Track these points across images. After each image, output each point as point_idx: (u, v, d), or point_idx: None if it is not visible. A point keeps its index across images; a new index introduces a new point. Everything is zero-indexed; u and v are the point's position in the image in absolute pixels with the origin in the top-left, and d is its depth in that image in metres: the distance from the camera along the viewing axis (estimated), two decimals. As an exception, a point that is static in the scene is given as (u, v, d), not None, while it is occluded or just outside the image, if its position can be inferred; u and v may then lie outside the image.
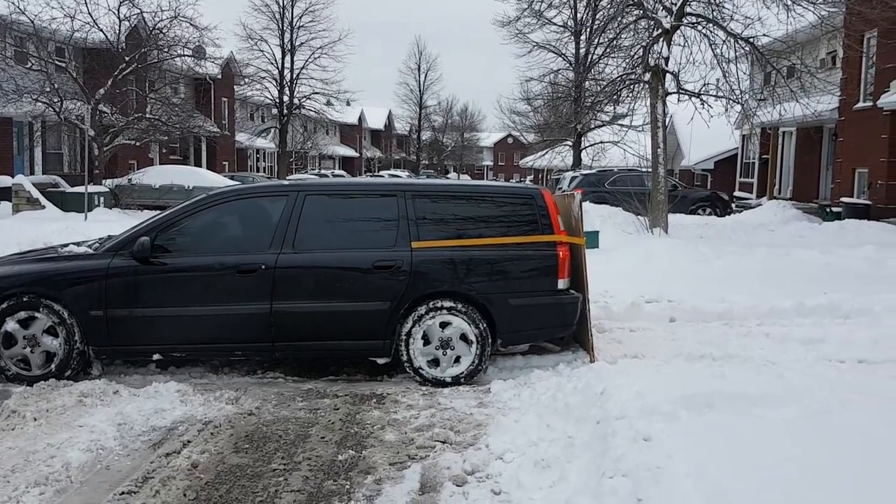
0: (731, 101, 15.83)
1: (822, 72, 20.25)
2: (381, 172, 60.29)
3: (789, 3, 13.49)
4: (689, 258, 11.78)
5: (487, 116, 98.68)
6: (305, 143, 50.59)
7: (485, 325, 5.98)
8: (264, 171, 48.05)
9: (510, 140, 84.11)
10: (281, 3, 42.03)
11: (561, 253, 6.13)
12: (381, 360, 6.18)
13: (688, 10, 14.77)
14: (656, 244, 12.97)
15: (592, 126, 28.90)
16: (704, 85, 15.85)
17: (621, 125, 27.10)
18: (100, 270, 5.88)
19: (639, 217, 15.89)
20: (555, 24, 23.92)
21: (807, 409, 4.38)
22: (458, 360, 6.03)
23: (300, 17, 42.36)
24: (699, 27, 15.11)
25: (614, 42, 17.82)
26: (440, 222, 6.15)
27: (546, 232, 6.15)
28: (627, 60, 17.24)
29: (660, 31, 14.55)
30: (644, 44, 15.75)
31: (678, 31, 15.25)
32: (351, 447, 4.62)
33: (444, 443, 4.67)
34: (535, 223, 6.17)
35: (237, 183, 26.19)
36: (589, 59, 23.79)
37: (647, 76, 15.49)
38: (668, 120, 26.51)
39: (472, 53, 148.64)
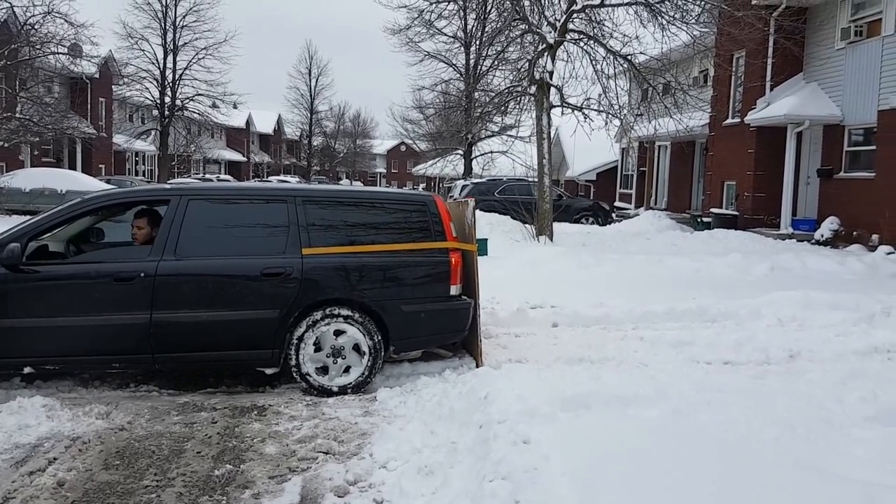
0: (610, 116, 16.54)
1: (695, 89, 21.48)
2: (270, 178, 58.95)
3: (664, 22, 14.25)
4: (572, 265, 12.18)
5: (380, 123, 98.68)
6: (188, 146, 48.81)
7: (377, 333, 5.92)
8: (144, 175, 46.00)
9: (403, 148, 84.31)
10: (163, 2, 40.52)
11: (453, 259, 6.15)
12: (269, 371, 6.01)
13: (570, 26, 15.32)
14: (542, 251, 13.36)
15: (482, 136, 29.45)
16: (586, 99, 16.51)
17: (509, 136, 27.76)
18: None
19: (526, 225, 16.32)
20: (445, 34, 24.26)
21: (676, 408, 4.62)
22: (348, 368, 5.94)
23: (184, 17, 40.95)
24: (581, 43, 15.72)
25: (502, 55, 18.25)
26: (332, 228, 6.04)
27: (438, 239, 6.16)
28: (514, 73, 17.73)
29: (544, 45, 15.02)
30: (530, 57, 16.21)
31: (562, 47, 15.80)
32: (229, 461, 4.47)
33: (326, 454, 4.60)
34: (427, 230, 6.17)
35: (114, 187, 25.00)
36: (478, 71, 24.24)
37: (533, 89, 15.95)
38: (553, 132, 27.41)
39: (364, 60, 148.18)
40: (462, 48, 25.97)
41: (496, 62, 19.76)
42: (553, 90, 16.01)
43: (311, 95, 69.90)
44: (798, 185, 18.09)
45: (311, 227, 5.95)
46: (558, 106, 16.52)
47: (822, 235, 16.42)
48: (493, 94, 20.00)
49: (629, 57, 15.65)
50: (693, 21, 14.62)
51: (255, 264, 5.80)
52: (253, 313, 5.75)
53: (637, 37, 15.78)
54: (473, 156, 30.34)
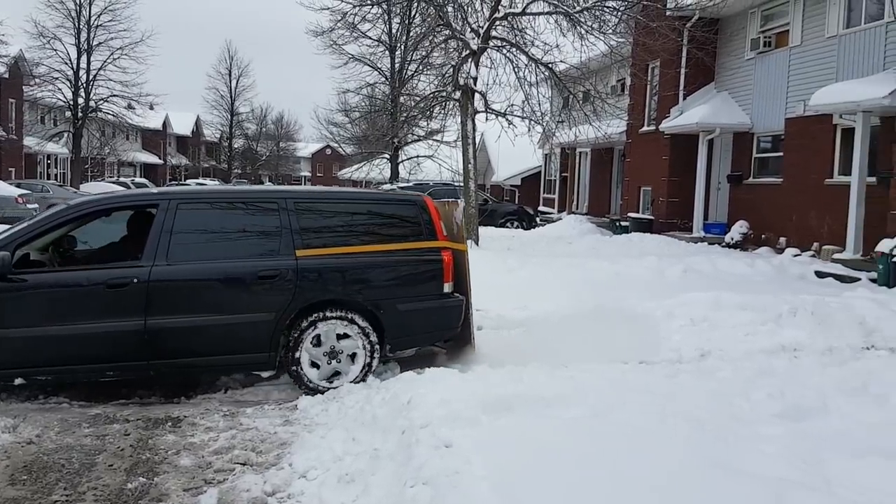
0: (533, 122, 16.83)
1: (613, 97, 22.08)
2: (188, 181, 57.28)
3: (583, 32, 14.61)
4: (498, 268, 12.28)
5: (305, 126, 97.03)
6: (103, 148, 47.02)
7: (373, 332, 5.94)
8: (56, 179, 44.02)
9: (329, 151, 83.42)
10: (77, 1, 38.95)
11: (445, 258, 6.23)
12: (265, 374, 6.01)
13: (493, 33, 15.52)
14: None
15: (409, 140, 29.47)
16: (510, 105, 16.77)
17: (435, 140, 27.91)
18: None
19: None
20: (369, 37, 24.17)
21: (594, 407, 4.72)
22: (346, 368, 5.95)
23: (98, 16, 39.49)
24: (504, 50, 15.93)
25: (426, 59, 18.31)
26: (324, 230, 6.06)
27: (430, 238, 6.23)
28: (439, 78, 17.80)
29: (468, 51, 15.16)
30: (454, 63, 16.33)
31: (485, 53, 15.98)
32: (142, 474, 4.32)
33: (244, 464, 4.50)
34: (419, 229, 6.24)
35: (27, 192, 23.77)
36: (403, 75, 24.25)
37: (458, 94, 16.07)
38: (479, 137, 27.65)
39: (287, 62, 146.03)
40: (387, 52, 25.94)
41: (421, 67, 19.81)
42: (477, 96, 16.17)
43: (231, 97, 68.39)
44: (710, 191, 18.82)
45: (303, 228, 5.94)
46: (483, 111, 16.70)
47: (733, 238, 17.12)
48: (419, 99, 20.04)
49: (550, 65, 15.96)
50: (610, 31, 15.04)
51: (250, 267, 5.78)
52: (248, 317, 5.73)
53: (558, 45, 16.17)
54: (400, 160, 30.35)
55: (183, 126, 70.93)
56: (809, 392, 5.25)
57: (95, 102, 39.73)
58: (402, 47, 23.60)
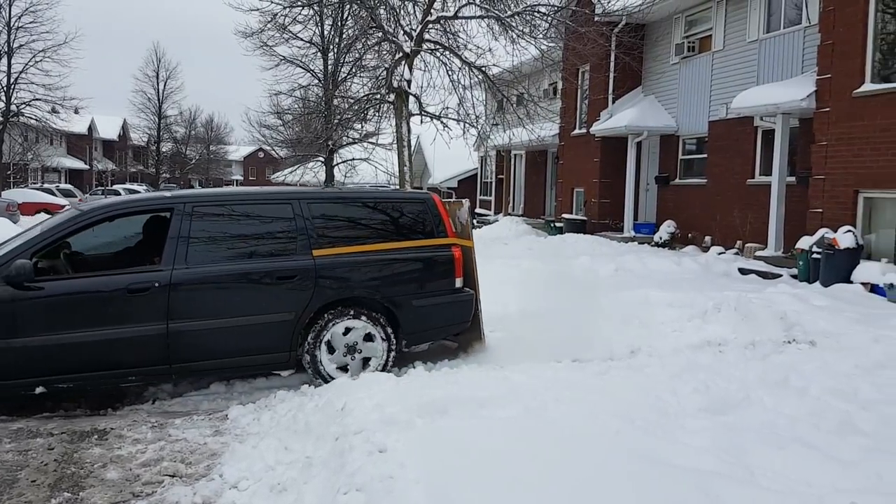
0: (468, 125, 16.94)
1: (546, 101, 22.43)
2: (116, 187, 55.44)
3: (514, 36, 14.78)
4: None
5: (236, 129, 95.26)
6: (25, 154, 45.10)
7: (390, 329, 6.12)
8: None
9: (261, 154, 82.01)
10: (-4, 2, 37.14)
11: (456, 253, 6.44)
12: (284, 373, 6.09)
13: (426, 36, 15.56)
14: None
15: (344, 143, 29.21)
16: (445, 108, 16.82)
17: (371, 143, 27.74)
18: None
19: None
20: (301, 39, 23.80)
21: (527, 406, 4.77)
22: (365, 364, 6.09)
23: (19, 17, 37.72)
24: (437, 54, 15.99)
25: (360, 62, 18.21)
26: (339, 229, 6.20)
27: (440, 235, 6.44)
28: (373, 80, 17.73)
29: (401, 54, 15.16)
30: (388, 66, 16.30)
31: (419, 56, 16.00)
32: (67, 489, 4.16)
33: (173, 476, 4.38)
34: (430, 227, 6.44)
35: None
36: (337, 77, 24.04)
37: (392, 97, 16.04)
38: (414, 140, 27.62)
39: (217, 64, 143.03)
40: (319, 54, 25.66)
41: (354, 69, 19.69)
42: (412, 98, 16.18)
43: (159, 99, 66.52)
44: (639, 192, 19.30)
45: (318, 228, 6.08)
46: (417, 114, 16.72)
47: (661, 238, 17.60)
48: (353, 101, 19.91)
49: (483, 68, 16.10)
50: (541, 36, 15.27)
51: (269, 268, 5.89)
52: (269, 317, 5.83)
53: (490, 49, 16.38)
54: (335, 163, 30.03)
55: (109, 130, 68.69)
56: (733, 385, 5.43)
57: (17, 107, 38.00)
58: (335, 49, 23.37)
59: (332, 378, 5.90)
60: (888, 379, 5.81)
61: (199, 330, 5.66)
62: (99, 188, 55.37)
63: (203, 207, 5.94)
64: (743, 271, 12.66)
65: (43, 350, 5.36)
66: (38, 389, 5.46)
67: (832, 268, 10.75)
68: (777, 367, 6.03)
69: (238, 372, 6.13)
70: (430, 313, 6.36)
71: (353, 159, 30.15)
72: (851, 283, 10.46)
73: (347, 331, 6.05)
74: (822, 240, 11.03)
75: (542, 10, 14.54)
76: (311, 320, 5.94)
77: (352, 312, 6.04)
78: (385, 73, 16.56)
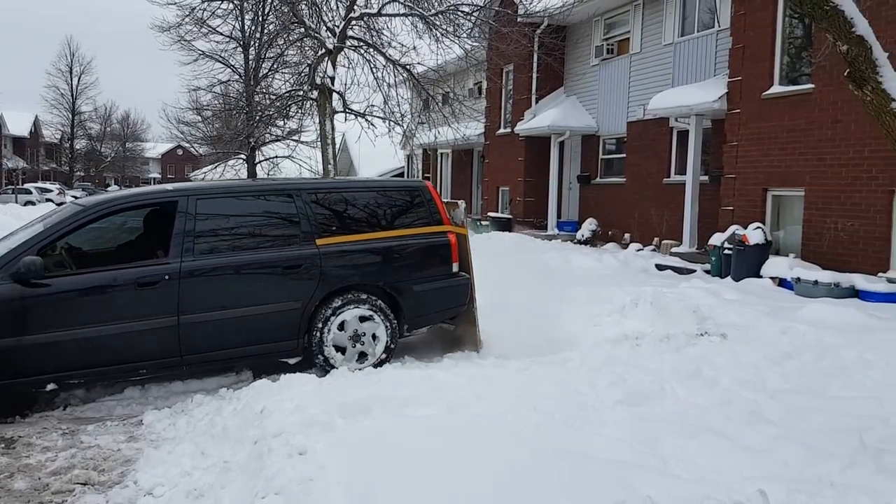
0: (393, 123, 16.88)
1: (471, 100, 22.59)
2: (27, 185, 52.84)
3: (439, 35, 14.80)
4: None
5: (153, 125, 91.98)
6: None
7: (393, 314, 6.29)
8: None
9: (180, 151, 79.75)
10: None
11: (452, 239, 6.64)
12: (292, 360, 6.18)
13: (350, 33, 15.42)
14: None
15: (266, 140, 28.65)
16: (369, 106, 16.71)
17: (294, 140, 27.31)
18: None
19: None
20: (221, 33, 23.19)
21: (450, 404, 4.80)
22: (369, 350, 6.23)
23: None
24: (361, 51, 15.87)
25: (282, 57, 17.88)
26: (340, 218, 6.34)
27: (437, 222, 6.63)
28: (296, 76, 17.44)
29: (324, 50, 14.97)
30: (310, 62, 16.07)
31: (343, 53, 15.84)
32: (-34, 505, 3.94)
33: (85, 485, 4.20)
34: (426, 214, 6.62)
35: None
36: (258, 73, 23.56)
37: (315, 94, 15.82)
38: (340, 138, 27.35)
39: (132, 58, 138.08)
40: (240, 48, 25.08)
41: (276, 65, 19.32)
42: (335, 96, 16.00)
43: (73, 95, 63.91)
44: (562, 190, 19.68)
45: (320, 218, 6.21)
46: (342, 112, 16.54)
47: (583, 235, 18.00)
48: (275, 98, 19.55)
49: (408, 66, 16.06)
50: (465, 35, 15.34)
51: (275, 258, 5.99)
52: (277, 306, 5.94)
53: (415, 47, 16.27)
54: (257, 160, 29.41)
55: (20, 126, 65.46)
56: (649, 378, 5.60)
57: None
58: (256, 44, 22.89)
59: (338, 366, 6.07)
60: (794, 369, 6.11)
61: (209, 321, 5.74)
62: (9, 187, 52.65)
63: (207, 200, 6.01)
64: (660, 267, 13.07)
65: (53, 346, 5.33)
66: (50, 386, 5.48)
67: (743, 263, 11.22)
68: (690, 360, 6.25)
69: (248, 361, 6.20)
70: (429, 298, 6.54)
71: (276, 157, 29.62)
72: (761, 277, 10.95)
73: (353, 318, 6.19)
74: (734, 236, 11.50)
75: (466, 9, 14.60)
76: (317, 308, 6.08)
77: (356, 299, 6.18)
78: (308, 69, 16.32)
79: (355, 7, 15.02)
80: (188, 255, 5.72)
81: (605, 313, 7.99)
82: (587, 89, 19.08)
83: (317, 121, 17.48)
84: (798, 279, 10.15)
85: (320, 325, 6.07)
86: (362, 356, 6.23)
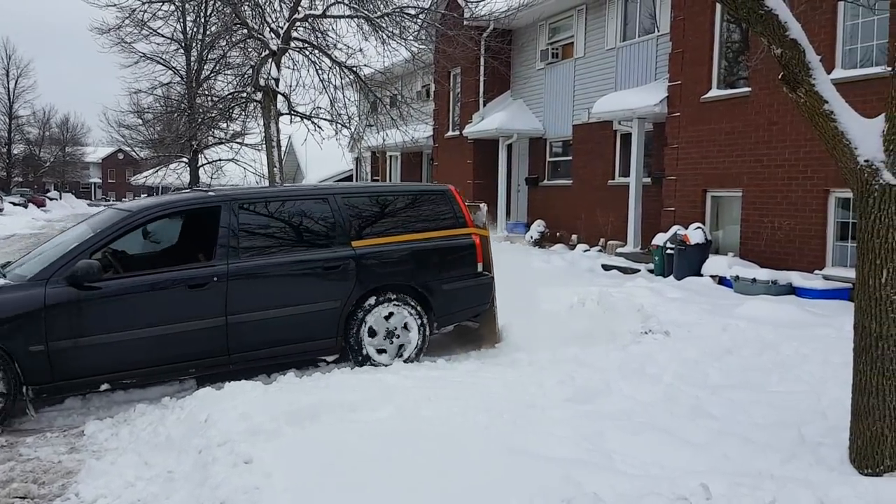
0: (340, 125, 16.74)
1: (419, 103, 22.59)
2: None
3: (385, 37, 14.76)
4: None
5: (93, 129, 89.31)
6: None
7: (424, 312, 6.58)
8: None
9: (121, 156, 77.69)
10: None
11: (476, 241, 6.96)
12: (330, 358, 6.44)
13: (294, 34, 15.25)
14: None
15: (210, 143, 28.15)
16: (316, 108, 16.53)
17: (238, 143, 26.90)
18: (36, 301, 5.29)
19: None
20: (162, 35, 22.71)
21: (400, 407, 4.79)
22: (402, 346, 6.52)
23: None
24: (307, 52, 15.71)
25: (224, 59, 17.58)
26: (373, 222, 6.63)
27: (462, 225, 6.95)
28: (239, 78, 17.16)
29: (268, 52, 14.78)
30: (254, 63, 15.85)
31: (287, 55, 15.66)
32: None
33: (24, 498, 4.07)
34: (452, 217, 6.93)
35: None
36: (200, 74, 23.15)
37: (259, 95, 15.61)
38: (286, 140, 27.00)
39: (72, 61, 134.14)
40: (182, 50, 24.59)
41: (219, 66, 18.97)
42: (280, 98, 15.79)
43: (9, 99, 61.41)
44: (511, 192, 19.85)
45: (355, 221, 6.50)
46: (286, 114, 16.34)
47: (532, 237, 18.18)
48: (218, 100, 19.21)
49: (355, 68, 15.96)
50: (411, 38, 15.32)
51: (316, 259, 6.27)
52: (317, 305, 6.20)
53: (361, 49, 16.18)
54: (200, 164, 28.88)
55: (-49, 130, 62.78)
56: (596, 376, 5.68)
57: None
58: (199, 46, 22.47)
59: (375, 360, 6.38)
60: (735, 365, 6.27)
61: (254, 321, 5.96)
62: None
63: (248, 204, 6.25)
64: (606, 267, 13.29)
65: (108, 347, 5.48)
66: (104, 386, 5.61)
67: (684, 262, 11.49)
68: (635, 357, 6.36)
69: (289, 359, 6.34)
70: (457, 296, 6.84)
71: (220, 160, 29.14)
72: (702, 276, 11.23)
73: (388, 316, 6.47)
74: (675, 236, 11.76)
75: (411, 11, 14.59)
76: (354, 307, 6.33)
77: (390, 299, 6.46)
78: (251, 70, 16.09)
79: (299, 8, 14.87)
80: (234, 258, 5.97)
81: (552, 313, 8.08)
82: (534, 92, 19.29)
83: (261, 123, 17.24)
84: (737, 277, 10.44)
85: (357, 324, 6.35)
86: (397, 351, 6.54)
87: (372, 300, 6.42)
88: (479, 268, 7.07)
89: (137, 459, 4.42)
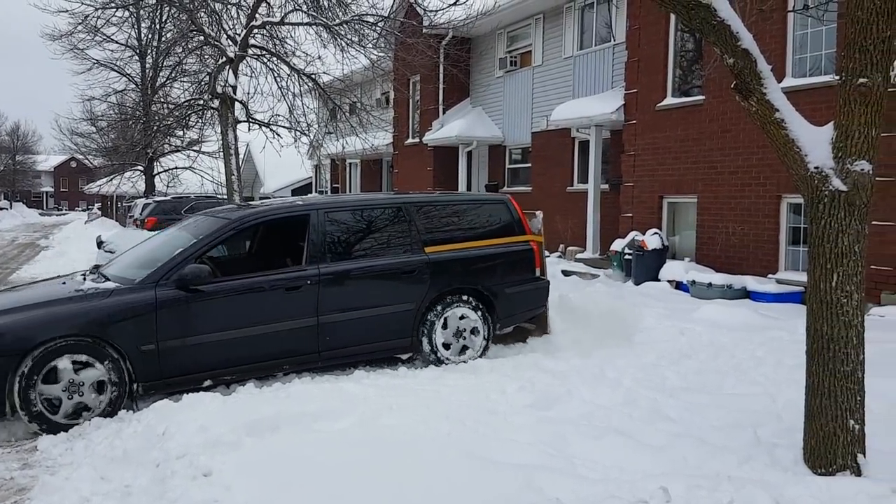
0: (299, 133, 16.62)
1: (378, 110, 22.54)
2: None
3: (344, 45, 14.70)
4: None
5: (45, 137, 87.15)
6: None
7: (489, 314, 7.03)
8: None
9: (74, 164, 76.05)
10: None
11: (535, 247, 7.39)
12: (404, 356, 6.90)
13: (252, 41, 15.10)
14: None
15: (165, 151, 27.72)
16: (274, 115, 16.38)
17: (195, 151, 26.54)
18: (148, 303, 5.68)
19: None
20: (116, 41, 22.28)
21: (362, 416, 4.76)
22: (471, 345, 6.94)
23: None
24: (265, 59, 15.57)
25: (180, 66, 17.33)
26: (442, 229, 7.05)
27: (521, 232, 7.39)
28: (195, 85, 16.93)
29: (225, 59, 14.61)
30: (210, 70, 15.65)
31: (245, 62, 15.50)
32: None
33: (-29, 520, 3.94)
34: (513, 225, 7.38)
35: None
36: (156, 82, 22.78)
37: (216, 103, 15.40)
38: (244, 148, 26.71)
39: (22, 67, 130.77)
40: (136, 57, 24.18)
41: (174, 73, 18.68)
42: (238, 105, 15.61)
43: (-47, 104, 59.79)
44: (471, 199, 19.88)
45: (426, 228, 6.96)
46: (244, 121, 16.15)
47: (493, 244, 18.23)
48: (173, 107, 18.91)
49: (313, 76, 15.86)
50: (371, 45, 15.28)
51: (395, 264, 6.73)
52: (396, 307, 6.65)
53: (320, 57, 16.07)
54: (156, 172, 28.42)
55: None
56: (556, 381, 5.73)
57: None
58: (154, 53, 22.12)
59: (446, 359, 6.79)
60: (692, 368, 6.39)
61: (341, 321, 6.37)
62: None
63: (334, 213, 6.68)
64: (566, 273, 13.40)
65: (212, 346, 5.85)
66: (206, 382, 5.88)
67: (642, 267, 11.66)
68: (595, 362, 6.43)
69: (370, 356, 6.69)
70: (518, 299, 7.26)
71: (176, 168, 28.72)
72: (659, 280, 11.40)
73: (457, 317, 6.89)
74: (633, 242, 11.93)
75: (370, 19, 14.56)
76: (427, 309, 6.76)
77: (459, 301, 6.90)
78: (208, 77, 15.88)
79: (257, 15, 14.73)
80: (324, 262, 6.40)
81: (513, 320, 8.11)
82: (493, 100, 19.42)
83: (219, 131, 17.01)
84: (693, 282, 10.62)
85: (430, 324, 6.77)
86: (464, 350, 6.93)
87: (443, 302, 6.86)
88: (537, 273, 7.48)
89: (93, 474, 4.30)
